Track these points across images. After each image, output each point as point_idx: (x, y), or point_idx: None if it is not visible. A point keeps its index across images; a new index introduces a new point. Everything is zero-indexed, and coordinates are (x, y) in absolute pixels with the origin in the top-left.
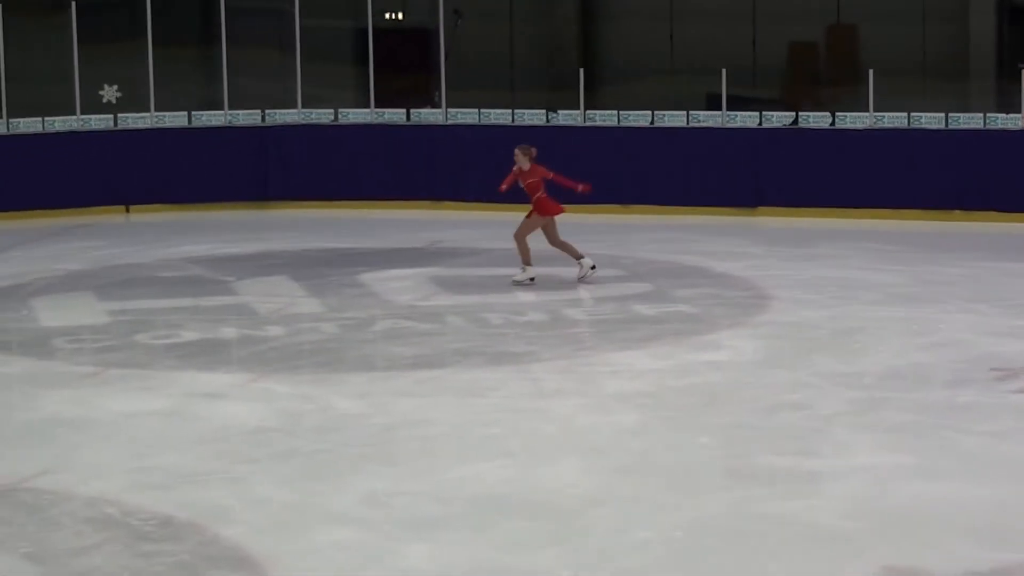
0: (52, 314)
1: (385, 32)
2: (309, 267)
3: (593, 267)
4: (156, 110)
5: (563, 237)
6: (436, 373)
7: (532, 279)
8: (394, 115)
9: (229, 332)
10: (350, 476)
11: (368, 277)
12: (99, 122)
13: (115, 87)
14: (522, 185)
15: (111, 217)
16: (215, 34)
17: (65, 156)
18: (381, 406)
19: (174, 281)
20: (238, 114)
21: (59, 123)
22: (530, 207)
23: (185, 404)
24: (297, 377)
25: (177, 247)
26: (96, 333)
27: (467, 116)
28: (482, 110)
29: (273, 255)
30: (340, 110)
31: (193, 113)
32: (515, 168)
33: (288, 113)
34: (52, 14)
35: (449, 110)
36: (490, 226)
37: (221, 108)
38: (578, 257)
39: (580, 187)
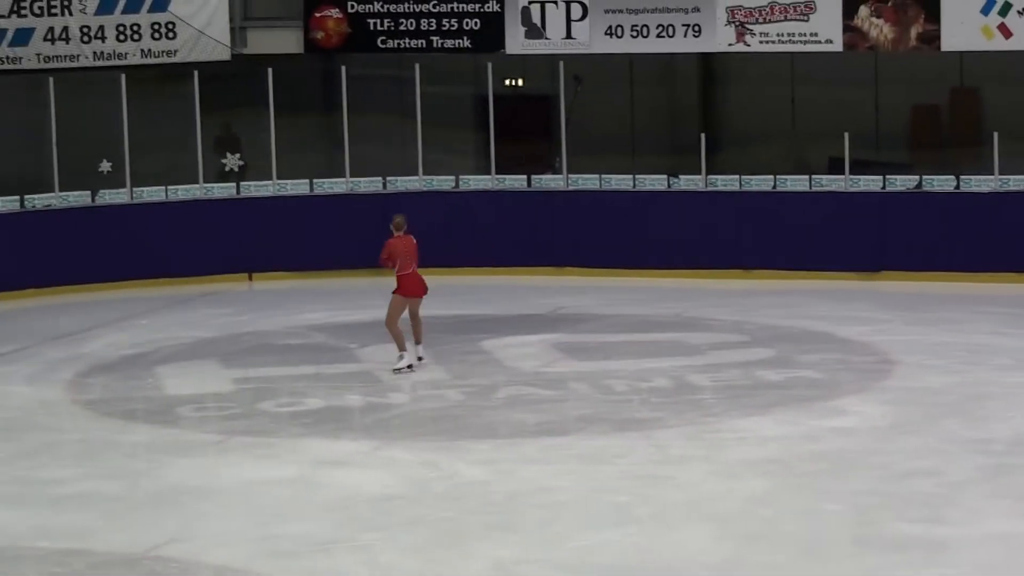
0: (177, 382)
1: (505, 98)
2: (432, 334)
3: (410, 366)
4: (278, 178)
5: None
6: (561, 440)
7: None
8: (515, 181)
9: (353, 399)
10: (476, 544)
11: (491, 344)
12: (222, 190)
13: (237, 156)
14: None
15: (235, 285)
16: (336, 102)
17: (188, 224)
18: (506, 473)
19: (297, 348)
20: (359, 181)
21: (182, 191)
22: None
23: (310, 472)
24: (421, 444)
25: (300, 314)
26: (221, 401)
27: (588, 182)
28: (603, 176)
29: None
30: (461, 176)
31: (315, 180)
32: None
33: (409, 180)
34: (175, 83)
35: (570, 176)
36: (612, 292)
37: (343, 175)
38: (402, 349)
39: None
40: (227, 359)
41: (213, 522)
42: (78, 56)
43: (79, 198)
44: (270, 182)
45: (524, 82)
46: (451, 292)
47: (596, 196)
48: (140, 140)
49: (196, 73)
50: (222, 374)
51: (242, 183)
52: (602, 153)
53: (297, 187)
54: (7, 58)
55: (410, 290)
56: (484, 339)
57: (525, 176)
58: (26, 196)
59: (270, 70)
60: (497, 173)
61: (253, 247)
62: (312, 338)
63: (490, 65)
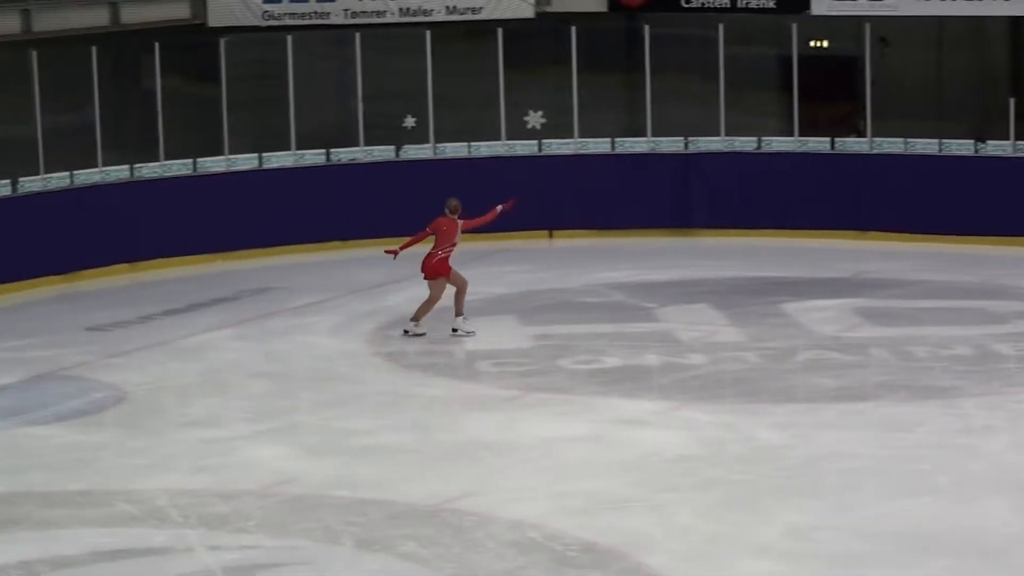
0: (477, 337)
1: (809, 60)
2: (731, 295)
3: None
4: (580, 136)
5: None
6: (860, 406)
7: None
8: (818, 144)
9: (651, 359)
10: (773, 508)
11: (791, 307)
12: (524, 148)
13: (540, 113)
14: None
15: (535, 242)
16: (639, 61)
17: (490, 181)
18: (804, 438)
19: (596, 307)
20: (661, 141)
21: (484, 148)
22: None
23: (607, 430)
24: (719, 406)
25: (599, 273)
26: (519, 357)
27: (892, 145)
28: (908, 140)
29: (695, 283)
30: (763, 138)
31: (616, 140)
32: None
33: (711, 141)
34: (478, 41)
35: (874, 139)
36: (915, 257)
37: (644, 135)
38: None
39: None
40: (526, 316)
41: (509, 477)
42: (384, 12)
43: (383, 153)
44: (572, 140)
45: (829, 44)
46: (751, 254)
47: (900, 160)
48: (443, 96)
49: (500, 30)
50: (521, 331)
51: (544, 141)
52: (907, 117)
53: (598, 145)
54: (315, 13)
55: (429, 270)
56: (784, 302)
57: (828, 139)
58: (332, 150)
59: (573, 28)
60: (800, 135)
61: (554, 205)
62: (611, 297)
63: (795, 26)
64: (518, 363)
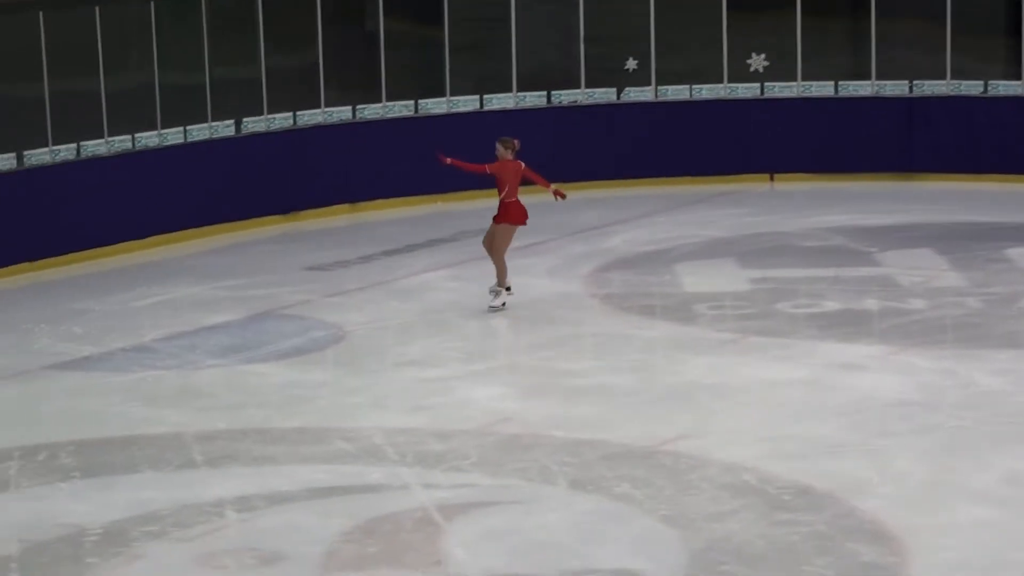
0: (695, 280)
1: None
2: (954, 240)
3: (504, 304)
4: (803, 79)
5: None
6: None
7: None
8: None
9: (871, 303)
10: (991, 454)
11: (1014, 252)
12: (746, 90)
13: (763, 56)
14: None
15: (755, 185)
16: (865, 4)
17: (711, 124)
18: None
19: (816, 251)
20: (885, 84)
21: (706, 91)
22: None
23: (824, 374)
24: (939, 351)
25: (820, 216)
26: (737, 300)
27: None
28: None
29: (917, 227)
30: (990, 82)
31: (840, 83)
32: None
33: (936, 84)
34: None
35: None
36: None
37: (868, 78)
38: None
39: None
40: (744, 259)
41: (726, 420)
42: None
43: (604, 95)
44: (795, 83)
45: None
46: (975, 199)
47: None
48: (666, 39)
49: None
50: (739, 274)
51: (766, 84)
52: None
53: (822, 89)
54: None
55: (518, 217)
56: (1008, 247)
57: None
58: (553, 92)
59: None
60: None
61: (775, 148)
62: (832, 240)
63: None
64: (736, 306)
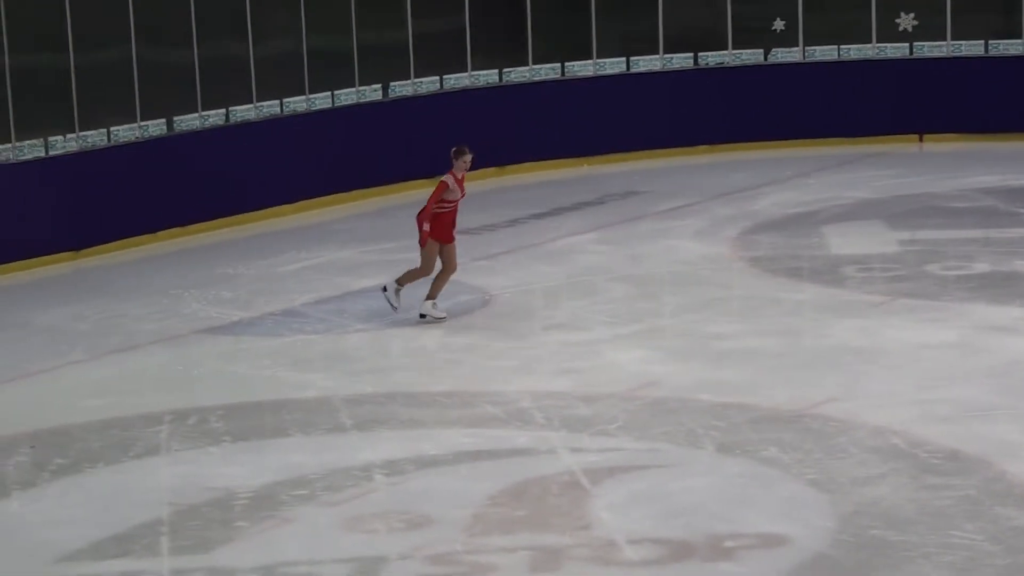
0: (843, 241)
1: None
2: None
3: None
4: (953, 38)
5: None
6: None
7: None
8: None
9: (1020, 265)
10: None
11: None
12: (895, 50)
13: (912, 15)
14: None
15: (903, 146)
16: None
17: (859, 84)
18: None
19: (966, 212)
20: None
21: (854, 51)
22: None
23: (974, 337)
24: None
25: (970, 177)
26: (886, 262)
27: None
28: None
29: None
30: None
31: (990, 42)
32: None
33: None
34: None
35: None
36: None
37: (1019, 37)
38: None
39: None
40: (893, 220)
41: (874, 383)
42: None
43: (751, 56)
44: (944, 43)
45: None
46: None
47: None
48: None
49: None
50: (888, 235)
51: (915, 43)
52: None
53: (971, 48)
54: None
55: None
56: None
57: None
58: (700, 54)
59: None
60: None
61: (924, 109)
62: (981, 202)
63: None
64: (885, 268)
